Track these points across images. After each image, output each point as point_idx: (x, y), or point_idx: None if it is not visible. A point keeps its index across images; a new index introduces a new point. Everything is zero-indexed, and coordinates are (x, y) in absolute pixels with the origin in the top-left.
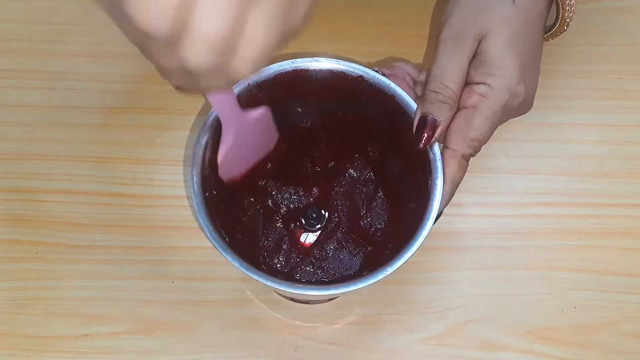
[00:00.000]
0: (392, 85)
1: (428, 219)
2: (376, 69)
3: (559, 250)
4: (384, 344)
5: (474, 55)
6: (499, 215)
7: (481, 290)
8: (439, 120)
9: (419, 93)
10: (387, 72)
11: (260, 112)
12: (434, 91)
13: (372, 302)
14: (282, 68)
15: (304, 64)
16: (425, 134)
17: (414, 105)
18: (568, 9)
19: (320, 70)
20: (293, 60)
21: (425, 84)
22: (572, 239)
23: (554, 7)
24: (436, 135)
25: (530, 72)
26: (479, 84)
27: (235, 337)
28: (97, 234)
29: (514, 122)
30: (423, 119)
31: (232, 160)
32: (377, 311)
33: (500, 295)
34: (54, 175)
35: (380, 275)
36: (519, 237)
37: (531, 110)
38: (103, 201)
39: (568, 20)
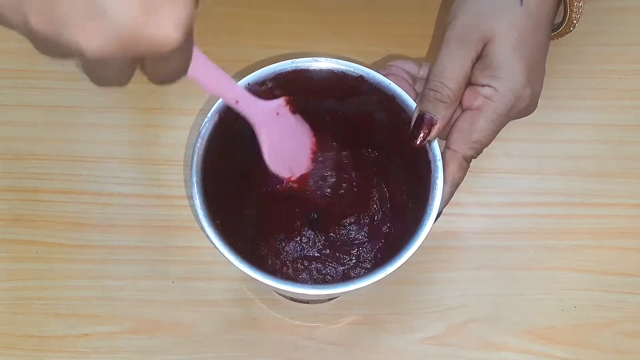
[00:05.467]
0: (393, 85)
1: (428, 219)
2: (374, 70)
3: (559, 250)
4: (384, 344)
5: (480, 57)
6: (499, 215)
7: (481, 290)
8: (435, 118)
9: (420, 90)
10: (383, 73)
11: (278, 102)
12: (433, 90)
13: (372, 302)
14: (282, 68)
15: (304, 64)
16: (422, 132)
17: (414, 105)
18: (576, 11)
19: (320, 70)
20: (293, 60)
21: (426, 82)
22: (572, 239)
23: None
24: (432, 133)
25: (536, 74)
26: (484, 86)
27: (235, 337)
28: (97, 234)
29: (514, 122)
30: (420, 117)
31: (280, 156)
32: (377, 311)
33: (500, 295)
34: (54, 175)
35: (380, 275)
36: (519, 237)
37: None
38: (103, 201)
39: (575, 21)
